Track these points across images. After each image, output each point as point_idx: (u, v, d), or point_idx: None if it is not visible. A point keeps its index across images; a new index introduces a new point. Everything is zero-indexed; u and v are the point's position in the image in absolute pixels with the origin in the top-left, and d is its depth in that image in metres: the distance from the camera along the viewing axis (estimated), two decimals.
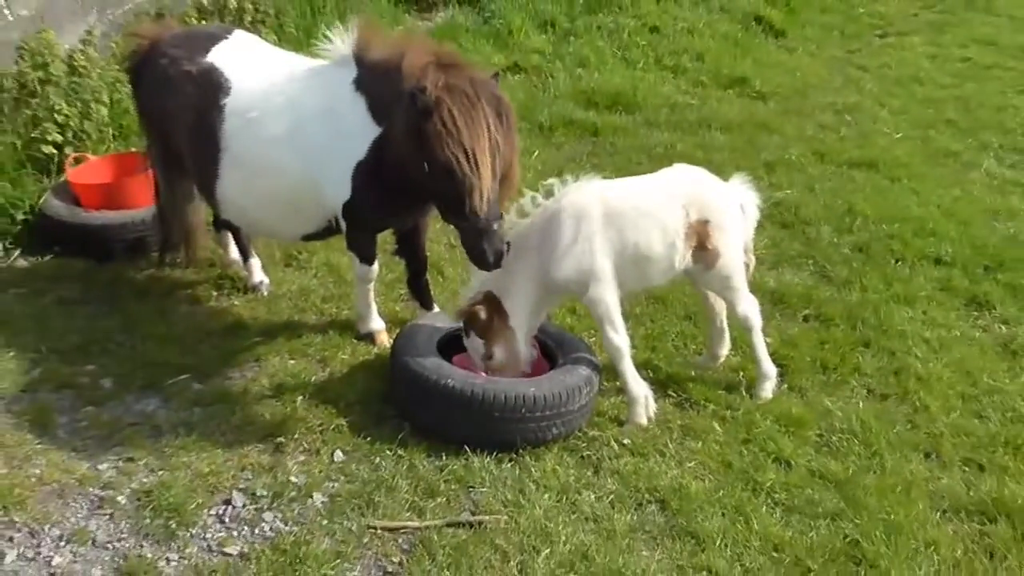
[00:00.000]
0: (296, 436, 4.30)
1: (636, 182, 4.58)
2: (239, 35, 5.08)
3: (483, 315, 4.31)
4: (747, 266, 4.65)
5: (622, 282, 4.36)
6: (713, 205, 4.44)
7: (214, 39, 4.92)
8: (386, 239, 5.34)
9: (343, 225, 4.66)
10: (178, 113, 4.78)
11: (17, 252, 5.80)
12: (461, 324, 4.47)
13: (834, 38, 11.09)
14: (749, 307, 4.62)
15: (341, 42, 4.54)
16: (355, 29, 4.51)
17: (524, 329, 4.41)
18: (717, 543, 3.81)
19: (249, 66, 4.76)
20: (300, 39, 8.38)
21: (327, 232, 4.84)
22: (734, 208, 4.54)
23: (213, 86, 4.68)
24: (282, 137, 4.56)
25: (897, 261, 6.07)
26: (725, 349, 4.89)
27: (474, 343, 4.40)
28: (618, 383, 4.67)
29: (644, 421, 4.46)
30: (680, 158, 7.27)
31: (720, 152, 7.66)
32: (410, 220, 4.85)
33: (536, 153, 7.51)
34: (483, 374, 4.40)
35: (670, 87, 9.17)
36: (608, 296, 4.32)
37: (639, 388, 4.44)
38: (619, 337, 4.36)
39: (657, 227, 4.33)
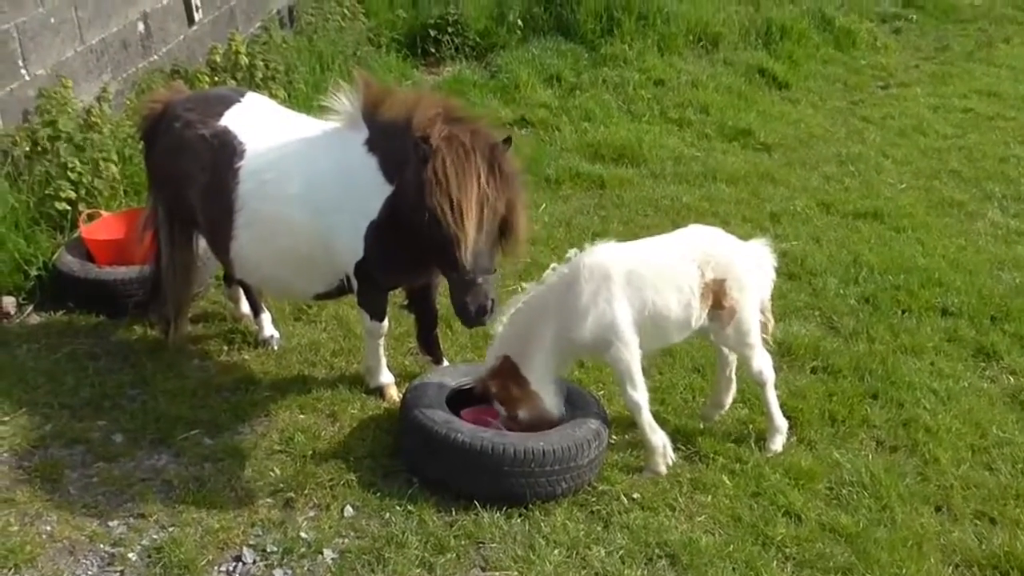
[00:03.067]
0: (306, 491, 4.31)
1: (651, 243, 4.62)
2: (252, 97, 5.16)
3: (501, 388, 4.36)
4: (765, 325, 4.69)
5: (641, 341, 4.37)
6: (728, 264, 4.48)
7: (227, 102, 5.00)
8: (396, 293, 5.38)
9: (355, 284, 4.71)
10: (192, 175, 4.84)
11: (30, 308, 5.85)
12: (481, 392, 4.49)
13: (837, 89, 11.20)
14: (763, 363, 4.64)
15: (348, 102, 4.61)
16: (360, 88, 4.58)
17: (549, 387, 4.44)
18: None
19: (262, 128, 4.83)
20: (310, 95, 8.51)
21: (339, 291, 4.88)
22: (750, 266, 4.58)
23: (227, 149, 4.76)
24: (296, 199, 4.62)
25: (904, 312, 6.09)
26: (730, 398, 4.91)
27: (499, 408, 4.45)
28: (627, 436, 4.71)
29: (663, 470, 4.47)
30: (686, 210, 7.38)
31: (726, 204, 7.72)
32: (422, 279, 4.89)
33: (543, 206, 7.58)
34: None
35: (675, 140, 9.25)
36: (629, 355, 4.34)
37: (657, 438, 4.46)
38: (638, 393, 4.39)
39: (673, 287, 4.37)
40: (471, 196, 4.05)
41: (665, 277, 4.37)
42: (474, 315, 4.16)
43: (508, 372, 4.38)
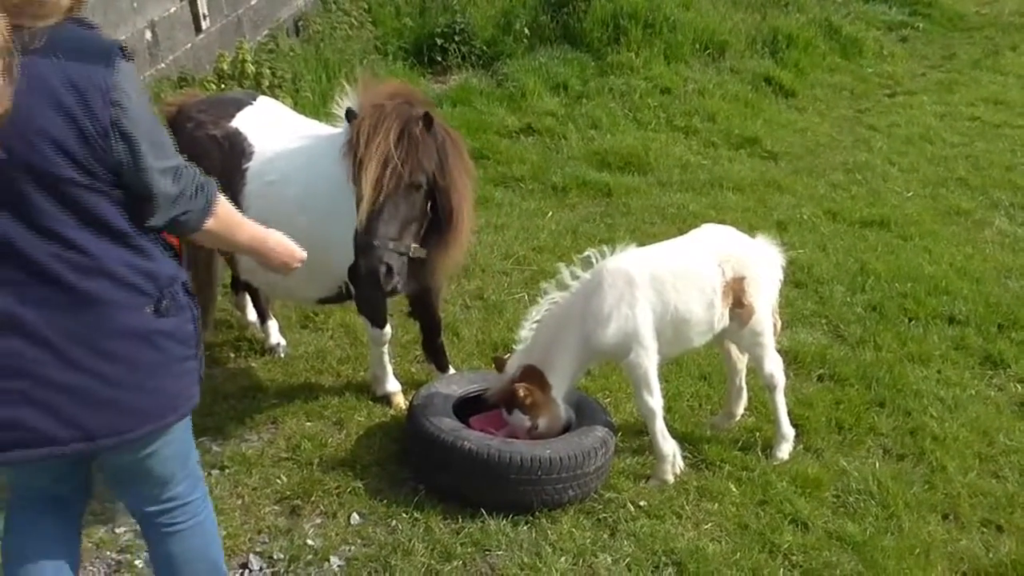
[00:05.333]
0: (313, 499, 4.32)
1: (671, 245, 4.63)
2: (263, 101, 5.21)
3: (535, 395, 4.34)
4: (773, 326, 4.69)
5: (661, 346, 4.37)
6: (747, 261, 4.50)
7: (239, 105, 5.05)
8: (400, 301, 5.39)
9: (352, 289, 4.72)
10: None
11: None
12: (501, 398, 4.48)
13: (843, 98, 11.22)
14: (775, 366, 4.64)
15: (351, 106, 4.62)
16: (359, 88, 4.59)
17: (563, 395, 4.45)
18: None
19: (271, 131, 4.87)
20: (316, 104, 8.54)
21: (340, 297, 4.88)
22: (765, 264, 4.60)
23: (236, 150, 4.79)
24: (296, 202, 4.64)
25: (911, 320, 6.08)
26: (742, 408, 4.91)
27: (518, 418, 4.42)
28: (634, 444, 4.71)
29: (670, 478, 4.47)
30: (692, 218, 7.38)
31: (732, 212, 7.72)
32: (413, 284, 4.85)
33: (550, 214, 7.60)
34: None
35: (682, 148, 9.26)
36: (647, 360, 4.34)
37: (668, 447, 4.46)
38: (654, 400, 4.39)
39: (696, 288, 4.37)
40: (374, 153, 4.07)
41: (688, 279, 4.37)
42: (363, 275, 4.12)
43: (534, 379, 4.38)
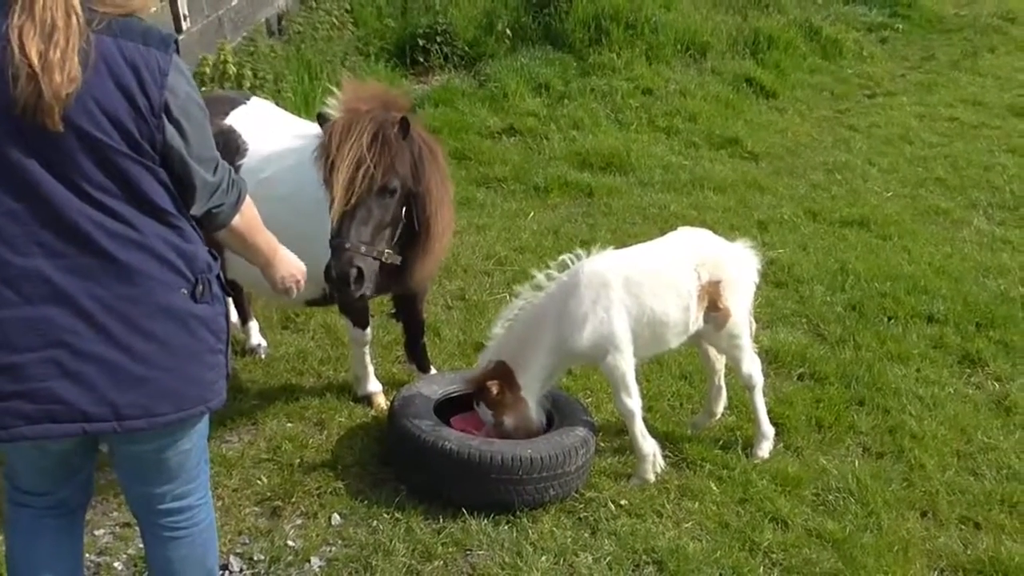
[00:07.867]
0: (293, 500, 4.31)
1: (647, 248, 4.64)
2: (256, 101, 5.25)
3: (494, 391, 4.34)
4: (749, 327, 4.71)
5: (638, 348, 4.39)
6: (723, 265, 4.52)
7: (233, 103, 5.07)
8: (383, 302, 5.39)
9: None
10: None
11: None
12: (470, 391, 4.50)
13: (824, 98, 11.27)
14: (753, 366, 4.67)
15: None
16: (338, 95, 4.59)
17: (536, 397, 4.46)
18: None
19: (264, 130, 4.88)
20: (298, 104, 8.52)
21: (326, 299, 4.86)
22: (741, 267, 4.61)
23: (231, 147, 4.77)
24: (283, 200, 4.61)
25: (890, 319, 6.12)
26: (722, 406, 4.93)
27: (484, 412, 4.44)
28: (615, 443, 4.73)
29: (651, 477, 4.49)
30: (674, 218, 7.40)
31: (713, 212, 7.75)
32: (396, 287, 4.84)
33: (532, 214, 7.61)
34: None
35: (663, 148, 9.28)
36: (624, 363, 4.35)
37: (648, 446, 4.47)
38: (632, 401, 4.39)
39: (672, 291, 4.38)
40: (346, 155, 4.05)
41: (663, 282, 4.38)
42: (333, 279, 4.09)
43: (502, 376, 4.38)
